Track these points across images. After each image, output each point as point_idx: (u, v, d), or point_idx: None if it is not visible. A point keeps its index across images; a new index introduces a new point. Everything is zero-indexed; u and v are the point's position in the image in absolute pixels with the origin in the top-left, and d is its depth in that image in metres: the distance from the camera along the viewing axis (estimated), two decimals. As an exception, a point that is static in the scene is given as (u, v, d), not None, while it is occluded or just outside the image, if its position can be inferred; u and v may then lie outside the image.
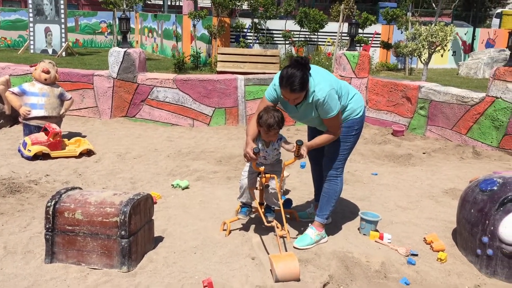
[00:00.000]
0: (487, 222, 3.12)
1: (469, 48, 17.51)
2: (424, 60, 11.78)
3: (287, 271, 2.92)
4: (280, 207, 3.40)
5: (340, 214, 4.05)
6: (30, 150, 5.17)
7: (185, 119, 7.26)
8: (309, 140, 3.75)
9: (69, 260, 3.04)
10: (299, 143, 3.17)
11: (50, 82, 5.81)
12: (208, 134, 6.82)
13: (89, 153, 5.51)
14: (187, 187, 4.57)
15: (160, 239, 3.46)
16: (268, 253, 3.28)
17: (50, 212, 3.01)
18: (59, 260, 3.06)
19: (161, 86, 7.17)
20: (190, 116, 7.26)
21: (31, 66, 7.13)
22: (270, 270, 3.05)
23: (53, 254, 3.05)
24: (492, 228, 3.09)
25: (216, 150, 5.94)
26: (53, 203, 3.03)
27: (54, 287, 2.80)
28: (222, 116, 7.36)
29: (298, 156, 3.23)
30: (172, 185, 4.61)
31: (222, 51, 12.03)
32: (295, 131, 7.15)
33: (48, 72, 5.74)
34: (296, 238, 3.51)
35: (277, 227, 3.41)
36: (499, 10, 27.34)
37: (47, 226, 3.03)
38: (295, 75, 3.07)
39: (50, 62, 5.87)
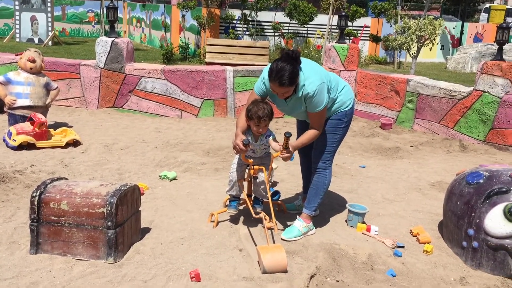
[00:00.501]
0: (473, 214, 3.15)
1: (457, 42, 17.61)
2: (412, 53, 11.83)
3: (274, 262, 2.92)
4: (268, 199, 3.40)
5: (327, 206, 4.06)
6: (15, 140, 5.10)
7: (173, 110, 7.21)
8: (298, 132, 3.74)
9: (54, 251, 3.01)
10: (288, 135, 3.15)
11: (36, 71, 5.73)
12: (197, 125, 6.79)
13: (75, 143, 5.45)
14: (174, 179, 4.55)
15: (147, 230, 3.43)
16: (256, 245, 3.28)
17: (35, 203, 2.97)
18: (45, 251, 3.02)
19: (149, 77, 7.10)
20: (178, 107, 7.21)
21: (17, 55, 7.01)
22: (258, 261, 3.05)
23: (38, 245, 3.02)
24: (477, 220, 3.12)
25: (204, 142, 5.92)
26: (38, 193, 2.99)
27: (39, 278, 2.77)
28: (210, 107, 7.33)
29: (286, 148, 3.21)
30: (159, 176, 4.58)
31: (211, 42, 11.95)
32: (283, 123, 7.14)
33: (33, 61, 5.66)
34: (284, 230, 3.51)
35: (265, 219, 3.41)
36: (487, 5, 27.52)
37: (32, 217, 2.99)
38: (285, 69, 3.04)
39: (35, 51, 5.78)
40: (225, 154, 5.42)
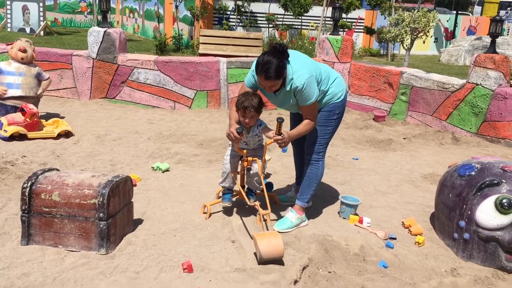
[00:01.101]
0: (464, 206, 3.17)
1: (450, 35, 17.64)
2: (406, 46, 11.83)
3: (271, 248, 2.91)
4: (262, 190, 3.40)
5: (320, 198, 4.06)
6: (6, 131, 5.06)
7: (166, 101, 7.18)
8: (291, 124, 3.74)
9: (46, 242, 3.00)
10: (280, 121, 3.12)
11: (27, 61, 5.67)
12: (190, 117, 6.76)
13: (67, 134, 5.42)
14: (167, 170, 4.54)
15: (139, 221, 3.43)
16: (251, 236, 3.28)
17: (27, 194, 2.95)
18: (36, 242, 3.01)
19: (142, 68, 7.06)
20: (172, 99, 7.18)
21: (8, 45, 6.95)
22: (254, 253, 3.04)
23: (29, 236, 3.00)
24: (469, 212, 3.13)
25: (198, 133, 5.90)
26: (29, 184, 2.97)
27: (30, 269, 2.75)
28: (204, 99, 7.30)
29: (280, 134, 3.19)
30: (152, 167, 4.57)
31: (204, 33, 11.89)
32: (277, 115, 7.13)
33: (25, 51, 5.60)
34: (277, 221, 3.52)
35: (259, 207, 3.39)
36: (481, -2, 27.55)
37: (23, 208, 2.97)
38: (271, 62, 3.04)
39: (27, 41, 5.72)
40: (218, 146, 5.41)
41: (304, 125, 3.31)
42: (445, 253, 3.26)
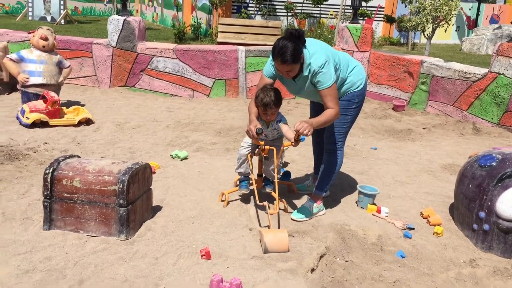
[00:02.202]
0: (484, 197, 3.13)
1: (473, 24, 17.29)
2: (427, 34, 11.65)
3: (276, 242, 2.92)
4: (278, 179, 3.39)
5: (338, 187, 4.05)
6: (28, 118, 5.14)
7: (185, 90, 7.21)
8: (311, 114, 3.72)
9: (67, 227, 3.05)
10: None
11: (48, 49, 5.75)
12: (208, 105, 6.78)
13: (87, 122, 5.48)
14: (186, 158, 4.57)
15: (158, 208, 3.47)
16: (261, 226, 3.29)
17: (48, 180, 3.01)
18: (58, 227, 3.07)
19: (161, 56, 7.09)
20: (190, 87, 7.21)
21: (29, 33, 7.05)
22: (259, 239, 3.05)
23: (51, 221, 3.06)
24: (489, 203, 3.10)
25: (216, 122, 5.92)
26: (51, 170, 3.02)
27: (52, 254, 2.81)
28: (222, 87, 7.31)
29: (297, 141, 3.09)
30: (171, 155, 4.61)
31: (223, 22, 11.86)
32: (295, 104, 7.12)
33: (46, 39, 5.67)
34: (294, 210, 3.52)
35: (268, 207, 3.33)
36: (505, -14, 26.88)
37: (45, 193, 3.03)
38: (287, 46, 3.02)
39: (48, 29, 5.79)
40: (236, 134, 5.42)
41: (326, 116, 3.13)
42: (464, 244, 3.23)
